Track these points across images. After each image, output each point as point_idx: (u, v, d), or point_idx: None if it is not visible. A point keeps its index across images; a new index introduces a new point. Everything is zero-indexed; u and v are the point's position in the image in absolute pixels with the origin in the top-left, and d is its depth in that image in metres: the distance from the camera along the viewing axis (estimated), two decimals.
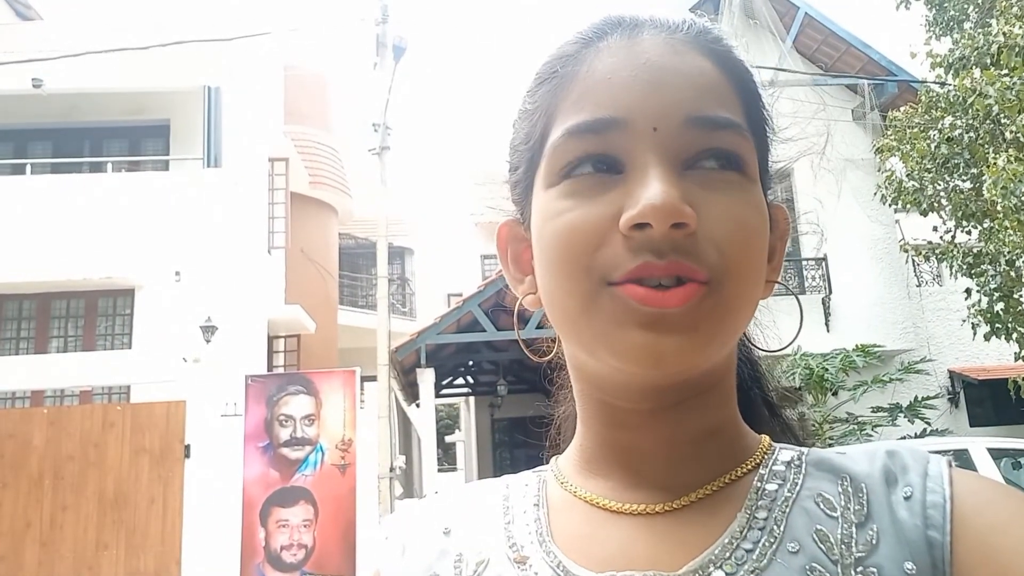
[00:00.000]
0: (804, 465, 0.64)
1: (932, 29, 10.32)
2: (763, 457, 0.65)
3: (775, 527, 0.59)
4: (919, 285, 13.41)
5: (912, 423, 11.27)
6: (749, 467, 0.64)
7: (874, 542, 0.56)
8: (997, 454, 7.85)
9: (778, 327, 0.78)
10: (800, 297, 0.82)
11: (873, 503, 0.58)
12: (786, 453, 0.66)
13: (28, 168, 11.75)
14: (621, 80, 0.60)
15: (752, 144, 0.62)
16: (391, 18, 11.56)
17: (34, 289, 11.21)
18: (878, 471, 0.60)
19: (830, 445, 0.74)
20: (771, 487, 0.62)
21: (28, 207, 10.93)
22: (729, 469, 0.64)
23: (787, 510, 0.60)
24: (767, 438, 0.68)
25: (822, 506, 0.59)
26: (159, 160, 12.58)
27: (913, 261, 12.19)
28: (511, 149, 0.71)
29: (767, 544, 0.58)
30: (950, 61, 8.82)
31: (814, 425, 9.64)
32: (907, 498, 0.58)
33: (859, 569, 0.55)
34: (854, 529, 0.57)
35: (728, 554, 0.58)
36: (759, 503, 0.61)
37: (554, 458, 0.73)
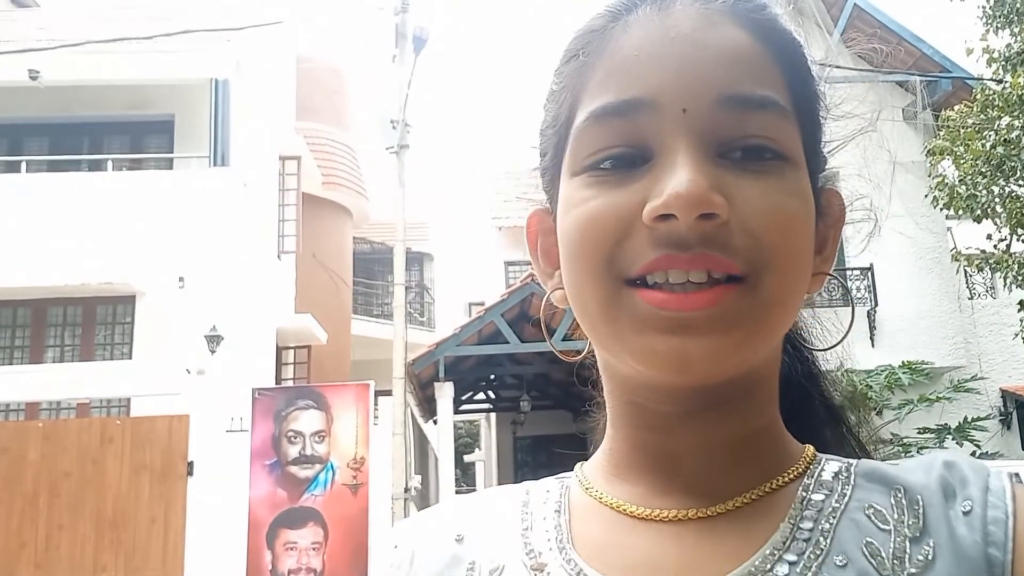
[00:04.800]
0: (853, 476, 0.61)
1: (990, 22, 10.05)
2: (808, 466, 0.63)
3: (821, 539, 0.56)
4: (971, 298, 13.33)
5: (961, 445, 11.15)
6: (792, 476, 0.62)
7: (930, 558, 0.54)
8: None
9: (829, 338, 0.73)
10: (844, 309, 0.69)
11: (930, 516, 0.56)
12: (833, 464, 0.63)
13: (23, 165, 11.65)
14: (649, 57, 0.58)
15: (795, 124, 0.60)
16: (411, 7, 11.57)
17: (29, 295, 11.12)
18: (935, 483, 0.58)
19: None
20: (817, 497, 0.60)
21: (23, 207, 10.82)
22: (770, 477, 0.61)
23: (835, 521, 0.58)
24: (811, 447, 0.65)
25: (873, 518, 0.57)
26: (163, 158, 12.53)
27: (965, 271, 12.18)
28: (540, 133, 0.69)
29: (812, 557, 0.56)
30: (1007, 57, 8.77)
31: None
32: (966, 513, 0.55)
33: None
34: (908, 543, 0.55)
35: (769, 566, 0.55)
36: (804, 513, 0.58)
37: (579, 464, 0.71)
